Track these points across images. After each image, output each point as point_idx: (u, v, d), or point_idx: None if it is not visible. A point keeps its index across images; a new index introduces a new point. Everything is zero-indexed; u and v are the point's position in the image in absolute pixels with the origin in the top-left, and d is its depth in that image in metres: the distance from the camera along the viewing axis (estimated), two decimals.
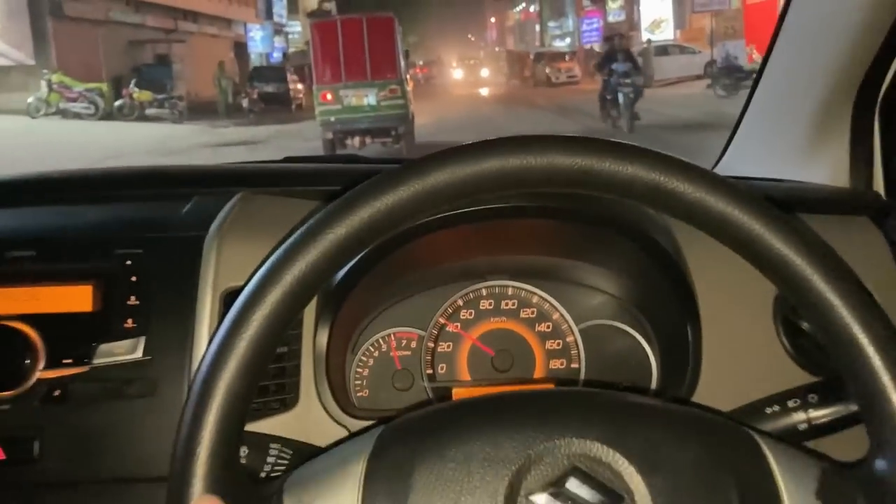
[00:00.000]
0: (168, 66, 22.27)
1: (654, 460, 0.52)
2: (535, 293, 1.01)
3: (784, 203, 0.93)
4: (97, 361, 0.83)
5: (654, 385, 0.97)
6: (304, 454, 0.71)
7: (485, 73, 45.03)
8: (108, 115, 18.21)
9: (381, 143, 11.30)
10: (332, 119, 11.23)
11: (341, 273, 0.88)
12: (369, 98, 11.17)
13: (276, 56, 38.70)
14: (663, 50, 24.33)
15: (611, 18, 36.09)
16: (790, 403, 0.74)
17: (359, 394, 0.99)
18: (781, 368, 0.85)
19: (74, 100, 18.12)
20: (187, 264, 0.87)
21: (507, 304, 1.02)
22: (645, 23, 29.01)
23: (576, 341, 1.00)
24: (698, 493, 0.52)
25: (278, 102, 21.64)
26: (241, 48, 35.00)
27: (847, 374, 0.54)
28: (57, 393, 0.82)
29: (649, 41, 25.03)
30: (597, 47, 35.93)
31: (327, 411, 0.85)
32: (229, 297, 0.85)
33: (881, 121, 1.06)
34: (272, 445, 0.72)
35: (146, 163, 1.38)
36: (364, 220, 0.53)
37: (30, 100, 17.73)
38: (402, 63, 11.99)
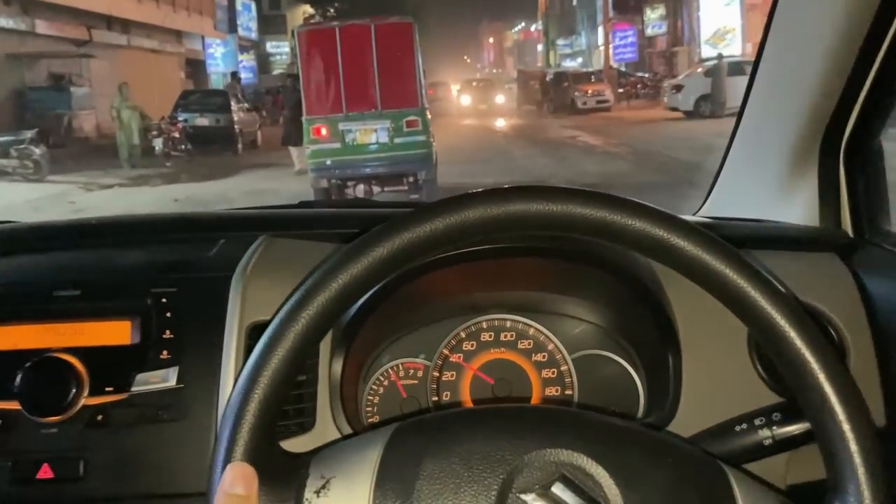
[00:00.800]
0: (64, 90, 15.93)
1: (631, 476, 0.60)
2: (531, 326, 1.09)
3: (761, 241, 1.10)
4: (135, 389, 0.91)
5: (641, 409, 1.05)
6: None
7: (500, 99, 32.12)
8: None
9: (394, 191, 8.62)
10: (329, 162, 8.45)
11: (353, 309, 0.95)
12: (380, 134, 8.36)
13: (246, 77, 31.66)
14: (738, 68, 17.64)
15: (649, 31, 30.11)
16: (756, 422, 0.81)
17: (370, 419, 1.07)
18: (755, 392, 0.93)
19: None
20: (216, 301, 0.95)
21: (505, 336, 1.10)
22: (706, 34, 22.87)
23: (569, 370, 1.08)
24: None
25: (217, 141, 15.39)
26: (198, 67, 28.47)
27: (801, 402, 0.61)
28: (100, 418, 0.90)
29: (720, 56, 18.84)
30: (623, 67, 29.95)
31: (341, 434, 0.92)
32: (254, 331, 0.94)
33: (846, 164, 1.15)
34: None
35: None
36: (373, 261, 0.61)
37: None
38: (423, 85, 8.81)
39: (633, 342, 1.06)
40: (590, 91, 24.18)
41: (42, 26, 17.44)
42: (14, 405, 0.89)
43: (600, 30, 38.14)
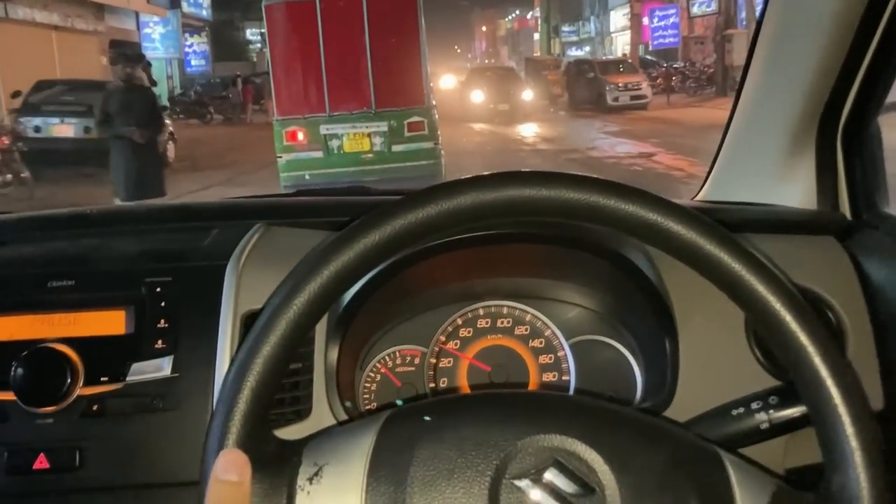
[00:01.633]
0: None
1: (625, 461, 0.60)
2: (528, 312, 1.10)
3: (758, 224, 1.10)
4: (131, 379, 0.91)
5: (638, 393, 1.05)
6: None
7: (527, 95, 20.49)
8: None
9: None
10: (308, 176, 6.58)
11: (349, 295, 0.96)
12: (374, 139, 6.60)
13: (197, 65, 26.30)
14: None
15: (695, 10, 26.16)
16: (753, 405, 0.81)
17: (367, 406, 1.07)
18: (753, 376, 0.93)
19: None
20: (211, 290, 0.95)
21: (502, 323, 1.10)
22: None
23: (566, 355, 1.08)
24: (662, 493, 0.59)
25: (86, 161, 9.37)
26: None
27: (798, 386, 0.61)
28: (95, 408, 0.90)
29: None
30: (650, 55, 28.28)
31: (338, 421, 0.92)
32: (249, 319, 0.93)
33: (843, 148, 1.15)
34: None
35: None
36: (365, 248, 0.61)
37: None
38: (428, 77, 6.93)
39: (630, 327, 1.06)
40: (621, 83, 19.25)
41: None
42: (9, 396, 0.89)
43: (613, 14, 35.20)
